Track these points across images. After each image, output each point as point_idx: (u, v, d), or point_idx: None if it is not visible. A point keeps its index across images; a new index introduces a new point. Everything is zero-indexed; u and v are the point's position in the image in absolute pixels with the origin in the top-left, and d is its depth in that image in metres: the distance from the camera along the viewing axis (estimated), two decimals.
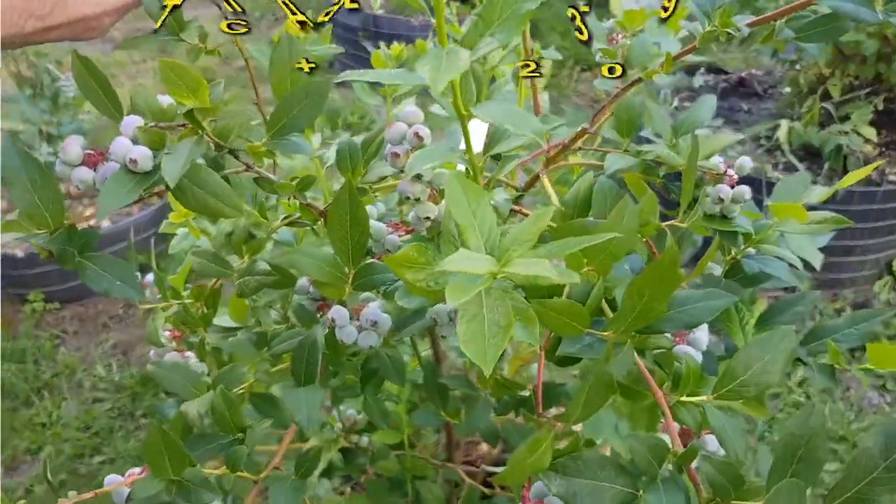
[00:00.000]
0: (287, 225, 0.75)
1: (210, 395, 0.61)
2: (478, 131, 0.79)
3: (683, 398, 0.54)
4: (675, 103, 2.78)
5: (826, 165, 2.36)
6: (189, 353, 0.81)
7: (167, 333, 0.80)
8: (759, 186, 2.34)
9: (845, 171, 2.26)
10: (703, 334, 0.64)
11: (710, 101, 0.78)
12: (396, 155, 0.59)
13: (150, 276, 0.89)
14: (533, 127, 0.43)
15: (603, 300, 0.56)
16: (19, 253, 2.35)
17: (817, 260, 0.75)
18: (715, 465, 0.48)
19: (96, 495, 0.55)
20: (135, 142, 0.50)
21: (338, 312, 0.61)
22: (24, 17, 0.50)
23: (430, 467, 1.21)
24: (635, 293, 0.47)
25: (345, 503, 1.26)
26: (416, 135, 0.57)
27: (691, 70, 2.89)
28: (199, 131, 0.50)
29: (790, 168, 2.39)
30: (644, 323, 0.48)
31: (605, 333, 0.50)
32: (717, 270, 0.81)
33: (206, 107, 0.49)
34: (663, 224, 0.63)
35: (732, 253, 0.77)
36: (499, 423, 1.00)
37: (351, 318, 0.62)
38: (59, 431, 2.05)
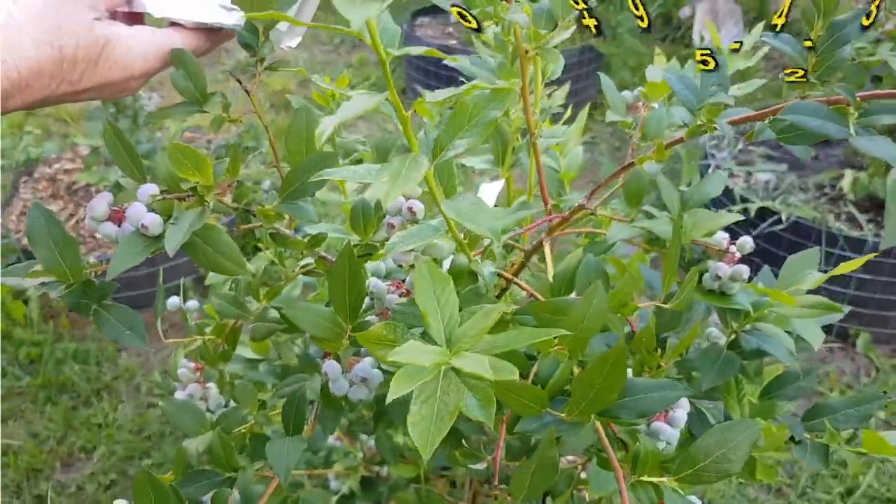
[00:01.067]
0: (303, 274, 0.80)
1: (210, 435, 0.66)
2: (489, 193, 0.83)
3: (642, 478, 0.56)
4: (740, 146, 2.76)
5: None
6: (210, 384, 0.86)
7: (192, 365, 0.86)
8: (819, 237, 2.30)
9: None
10: (682, 412, 0.67)
11: (720, 177, 0.79)
12: (392, 226, 0.63)
13: (192, 303, 0.95)
14: (490, 226, 0.47)
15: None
16: (90, 259, 2.48)
17: (817, 341, 0.76)
18: None
19: None
20: (149, 208, 0.56)
21: (331, 367, 0.65)
22: (55, 82, 0.55)
23: (444, 503, 1.25)
24: (586, 383, 0.50)
25: None
26: (410, 209, 0.61)
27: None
28: (203, 204, 0.55)
29: (852, 219, 2.34)
30: (597, 408, 0.51)
31: (563, 415, 0.53)
32: (721, 340, 0.83)
33: (209, 184, 0.54)
34: (646, 305, 0.65)
35: (733, 327, 0.79)
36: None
37: (343, 372, 0.66)
38: (113, 433, 2.15)
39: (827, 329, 2.52)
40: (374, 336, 0.49)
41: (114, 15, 0.62)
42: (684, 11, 4.17)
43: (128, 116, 2.47)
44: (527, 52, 0.67)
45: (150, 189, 0.56)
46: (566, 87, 1.10)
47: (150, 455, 2.12)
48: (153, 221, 0.54)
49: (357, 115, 0.39)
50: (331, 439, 1.41)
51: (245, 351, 0.93)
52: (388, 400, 0.39)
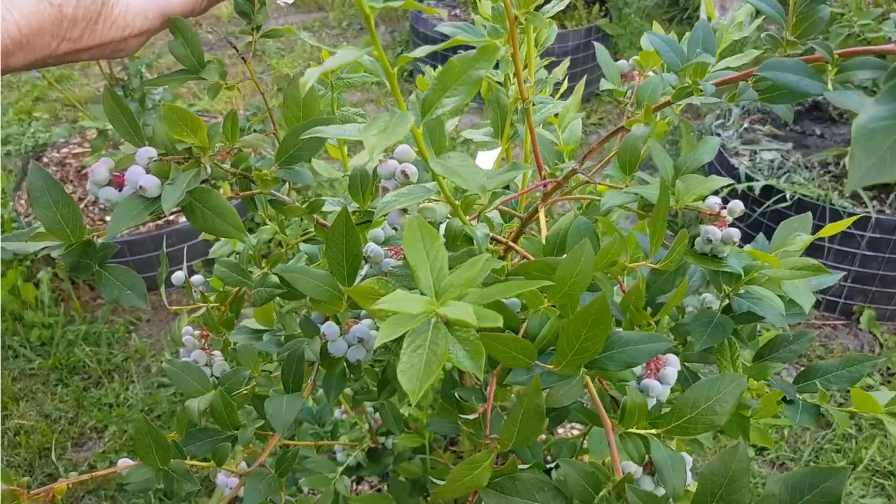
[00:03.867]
0: (304, 241, 0.82)
1: (212, 394, 0.68)
2: (486, 160, 0.84)
3: (630, 430, 0.57)
4: (745, 125, 2.76)
5: (893, 195, 2.31)
6: (216, 352, 0.88)
7: (196, 332, 0.88)
8: (823, 214, 2.31)
9: None
10: (672, 370, 0.68)
11: (711, 143, 0.80)
12: (386, 190, 0.65)
13: (196, 277, 0.97)
14: (477, 182, 0.48)
15: None
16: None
17: (808, 303, 0.77)
18: (640, 496, 0.52)
19: (92, 478, 0.62)
20: (147, 171, 0.57)
21: (329, 328, 0.67)
22: (56, 41, 0.56)
23: (449, 471, 1.26)
24: (571, 333, 0.51)
25: (369, 502, 1.32)
26: (404, 172, 0.62)
27: None
28: (199, 165, 0.57)
29: (855, 196, 2.34)
30: (584, 360, 0.53)
31: (551, 367, 0.55)
32: (715, 304, 0.84)
33: (203, 145, 0.56)
34: (637, 265, 0.67)
35: (725, 290, 0.80)
36: None
37: (342, 334, 0.68)
38: (124, 412, 2.18)
39: (831, 305, 2.53)
40: (366, 291, 0.51)
41: None
42: None
43: (135, 99, 2.48)
44: (516, 17, 0.68)
45: (148, 152, 0.58)
46: (566, 63, 1.11)
47: (181, 391, 2.15)
48: (151, 183, 0.56)
49: (343, 65, 0.40)
50: (337, 412, 1.43)
51: (249, 322, 0.95)
52: (377, 344, 0.41)
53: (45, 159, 2.89)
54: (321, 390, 0.75)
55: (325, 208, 0.78)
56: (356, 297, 0.50)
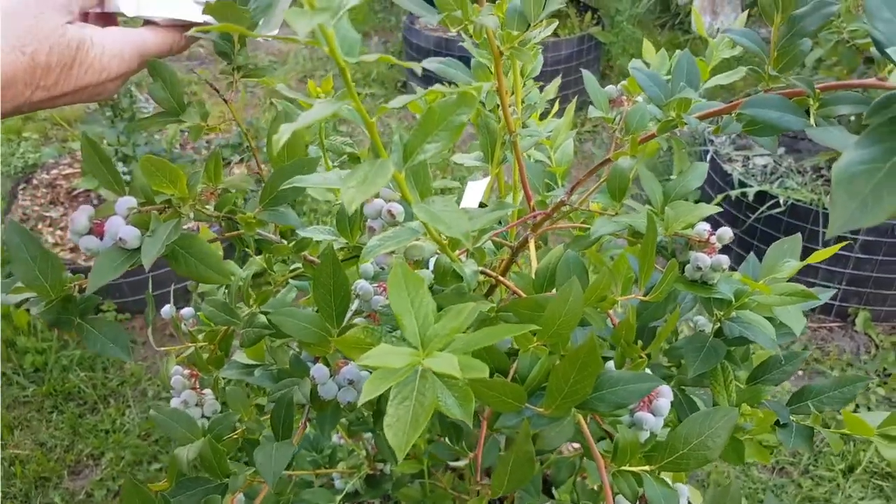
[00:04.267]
0: (292, 278, 0.81)
1: (201, 443, 0.67)
2: (475, 191, 0.84)
3: (623, 468, 0.57)
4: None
5: None
6: (207, 391, 0.88)
7: (186, 372, 0.87)
8: (817, 218, 2.31)
9: None
10: (664, 401, 0.68)
11: (700, 169, 0.80)
12: (373, 230, 0.64)
13: (186, 310, 0.97)
14: (461, 229, 0.48)
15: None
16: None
17: (798, 327, 0.77)
18: None
19: None
20: (127, 221, 0.57)
21: (318, 371, 0.66)
22: (30, 89, 0.55)
23: (449, 497, 1.26)
24: (561, 377, 0.51)
25: None
26: (390, 212, 0.62)
27: None
28: (179, 216, 0.56)
29: None
30: (574, 402, 0.52)
31: (541, 410, 0.54)
32: (707, 328, 0.84)
33: (183, 195, 0.55)
34: (625, 297, 0.66)
35: (717, 315, 0.80)
36: None
37: (331, 376, 0.67)
38: (121, 438, 2.17)
39: (826, 308, 2.53)
40: (352, 341, 0.51)
41: (86, 17, 0.62)
42: None
43: (124, 119, 2.48)
44: (501, 53, 0.67)
45: (128, 202, 0.57)
46: (557, 80, 1.11)
47: (157, 459, 2.14)
48: (130, 234, 0.55)
49: (317, 121, 0.40)
50: (335, 438, 1.42)
51: (240, 356, 0.94)
52: (360, 402, 0.40)
53: (34, 181, 2.88)
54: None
55: (314, 237, 0.78)
56: (343, 348, 0.50)
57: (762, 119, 0.50)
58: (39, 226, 2.66)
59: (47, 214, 2.70)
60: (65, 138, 3.53)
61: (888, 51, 0.37)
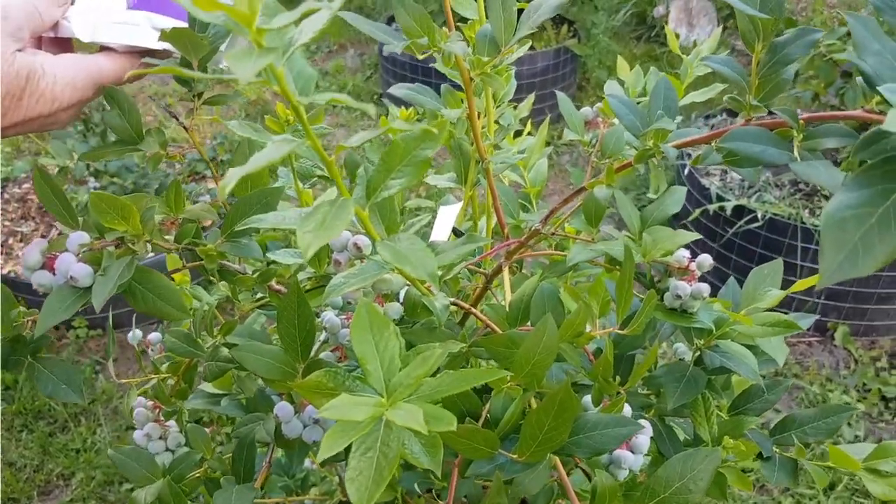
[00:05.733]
0: (258, 307, 0.78)
1: (160, 484, 0.64)
2: (447, 216, 0.81)
3: None
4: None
5: None
6: (171, 423, 0.84)
7: (150, 403, 0.84)
8: (795, 233, 2.30)
9: None
10: (644, 438, 0.65)
11: (678, 194, 0.78)
12: (339, 263, 0.61)
13: (154, 335, 0.93)
14: (427, 269, 0.45)
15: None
16: None
17: (781, 357, 0.75)
18: None
19: None
20: (79, 258, 0.54)
21: (282, 409, 0.63)
22: None
23: None
24: (535, 423, 0.48)
25: None
26: (356, 245, 0.59)
27: (734, 113, 2.85)
28: (132, 253, 0.53)
29: None
30: (549, 449, 0.50)
31: (515, 456, 0.52)
32: (688, 355, 0.82)
33: (136, 232, 0.52)
34: (602, 332, 0.64)
35: (697, 344, 0.78)
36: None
37: (296, 413, 0.64)
38: (92, 458, 2.12)
39: None
40: (313, 385, 0.48)
41: (39, 42, 0.59)
42: (658, 10, 4.17)
43: (96, 134, 2.43)
44: (472, 79, 0.65)
45: (80, 238, 0.54)
46: (531, 98, 1.09)
47: (129, 480, 2.09)
48: (82, 273, 0.52)
49: (269, 164, 0.37)
50: (307, 463, 1.39)
51: (207, 385, 0.91)
52: (318, 459, 0.37)
53: (6, 195, 2.83)
54: None
55: (283, 260, 0.75)
56: (303, 392, 0.47)
57: (744, 153, 0.48)
58: (10, 241, 2.60)
59: (18, 229, 2.65)
60: (37, 152, 3.47)
61: (882, 90, 0.35)
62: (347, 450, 0.63)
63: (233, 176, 0.34)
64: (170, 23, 0.59)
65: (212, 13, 0.36)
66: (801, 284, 0.67)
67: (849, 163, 2.16)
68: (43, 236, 2.64)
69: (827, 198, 2.42)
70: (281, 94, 0.38)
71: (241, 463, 0.63)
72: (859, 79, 0.43)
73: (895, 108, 0.34)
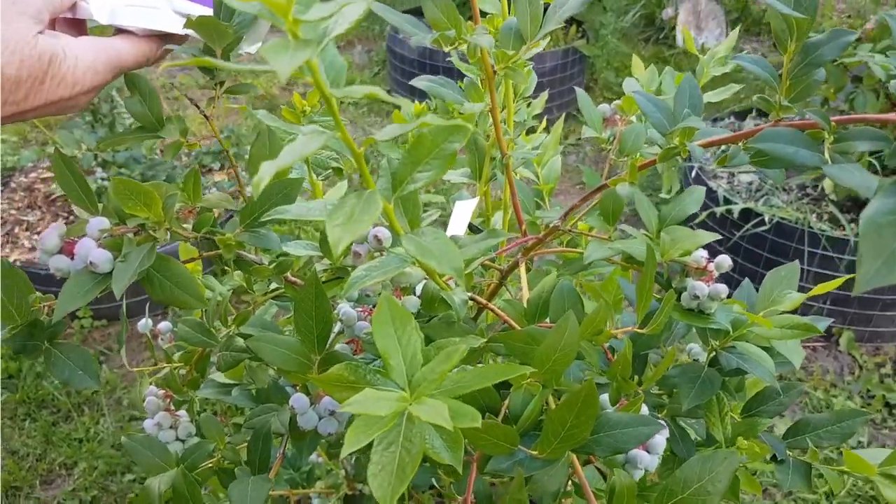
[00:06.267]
0: (273, 298, 0.78)
1: (174, 473, 0.64)
2: (463, 211, 0.81)
3: None
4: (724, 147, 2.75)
5: None
6: (182, 412, 0.84)
7: (161, 392, 0.84)
8: (802, 237, 2.30)
9: None
10: (661, 438, 0.65)
11: (697, 193, 0.78)
12: (358, 255, 0.61)
13: (164, 324, 0.93)
14: (453, 264, 0.45)
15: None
16: None
17: (798, 359, 0.74)
18: None
19: None
20: (99, 244, 0.53)
21: (298, 401, 0.63)
22: None
23: None
24: (557, 420, 0.48)
25: None
26: (376, 237, 0.59)
27: (742, 115, 2.85)
28: (153, 239, 0.53)
29: (834, 219, 2.34)
30: (570, 446, 0.49)
31: (534, 452, 0.51)
32: (702, 356, 0.81)
33: (158, 219, 0.52)
34: (622, 331, 0.63)
35: (713, 345, 0.77)
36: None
37: (312, 405, 0.64)
38: (94, 448, 2.12)
39: None
40: (334, 378, 0.47)
41: (54, 23, 0.58)
42: (667, 12, 4.16)
43: (104, 125, 2.43)
44: (495, 72, 0.65)
45: (100, 223, 0.54)
46: (545, 96, 1.09)
47: (131, 470, 2.09)
48: (102, 258, 0.52)
49: (302, 156, 0.36)
50: (313, 456, 1.38)
51: (218, 375, 0.90)
52: (342, 455, 0.37)
53: (12, 184, 2.83)
54: None
55: (296, 252, 0.74)
56: (323, 385, 0.47)
57: (776, 154, 0.48)
58: (17, 230, 2.60)
59: (24, 218, 2.64)
60: (44, 141, 3.47)
61: None
62: (368, 445, 0.63)
63: (267, 171, 0.33)
64: (192, 7, 0.58)
65: (247, 2, 0.36)
66: (821, 288, 0.67)
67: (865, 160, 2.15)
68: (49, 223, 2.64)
69: (834, 203, 2.41)
70: (314, 86, 0.37)
71: (256, 454, 0.63)
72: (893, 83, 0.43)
73: None
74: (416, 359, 0.46)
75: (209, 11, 0.59)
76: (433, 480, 1.06)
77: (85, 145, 2.38)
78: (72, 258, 0.57)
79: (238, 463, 0.70)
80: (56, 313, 0.50)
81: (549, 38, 0.75)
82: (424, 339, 0.49)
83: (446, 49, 0.60)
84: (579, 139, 3.55)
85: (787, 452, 0.79)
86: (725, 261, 0.75)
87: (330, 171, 0.99)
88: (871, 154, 2.34)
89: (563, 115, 1.17)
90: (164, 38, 0.60)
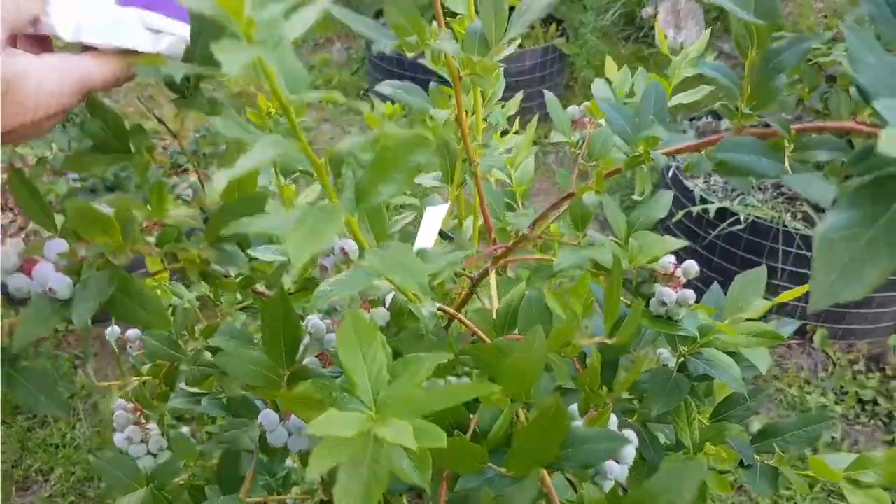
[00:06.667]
0: (241, 310, 0.77)
1: (143, 493, 0.63)
2: (434, 217, 0.80)
3: None
4: None
5: None
6: (152, 426, 0.83)
7: (130, 406, 0.83)
8: (777, 236, 2.32)
9: None
10: (630, 449, 0.65)
11: (665, 198, 0.78)
12: (325, 268, 0.61)
13: (133, 332, 0.92)
14: (418, 280, 0.44)
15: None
16: None
17: (764, 366, 0.75)
18: None
19: None
20: (57, 267, 0.52)
21: (267, 417, 0.62)
22: None
23: None
24: (526, 438, 0.48)
25: None
26: (343, 250, 0.59)
27: (719, 115, 2.86)
28: (112, 268, 0.52)
29: (808, 219, 2.36)
30: (539, 463, 0.49)
31: (503, 470, 0.51)
32: (671, 361, 0.82)
33: (118, 245, 0.51)
34: (590, 342, 0.63)
35: (681, 351, 0.78)
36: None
37: (281, 421, 0.63)
38: (71, 454, 2.10)
39: None
40: (300, 397, 0.47)
41: (14, 40, 0.53)
42: (647, 11, 4.18)
43: (76, 124, 2.40)
44: (461, 78, 0.64)
45: (58, 246, 0.52)
46: (519, 97, 1.08)
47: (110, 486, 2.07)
48: (61, 284, 0.50)
49: (257, 167, 0.36)
50: (289, 462, 1.38)
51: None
52: (307, 478, 0.37)
53: None
54: None
55: (265, 258, 0.73)
56: (289, 404, 0.46)
57: (736, 163, 0.48)
58: None
59: None
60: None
61: (877, 105, 0.34)
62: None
63: (221, 180, 0.33)
64: (165, 22, 0.56)
65: (199, 2, 0.35)
66: (785, 296, 0.67)
67: (832, 167, 2.17)
68: (21, 228, 2.61)
69: (809, 203, 2.43)
70: (269, 91, 0.37)
71: (226, 472, 0.62)
72: (853, 89, 0.43)
73: (891, 127, 0.33)
74: (381, 376, 0.45)
75: (185, 28, 0.56)
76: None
77: (56, 146, 2.36)
78: (31, 278, 0.55)
79: (210, 482, 0.69)
80: (16, 344, 0.49)
81: (518, 41, 0.74)
82: (393, 354, 0.49)
83: (409, 55, 0.59)
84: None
85: (756, 457, 0.80)
86: (693, 267, 0.75)
87: (298, 173, 0.98)
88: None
89: (537, 116, 1.17)
90: (133, 55, 0.54)
